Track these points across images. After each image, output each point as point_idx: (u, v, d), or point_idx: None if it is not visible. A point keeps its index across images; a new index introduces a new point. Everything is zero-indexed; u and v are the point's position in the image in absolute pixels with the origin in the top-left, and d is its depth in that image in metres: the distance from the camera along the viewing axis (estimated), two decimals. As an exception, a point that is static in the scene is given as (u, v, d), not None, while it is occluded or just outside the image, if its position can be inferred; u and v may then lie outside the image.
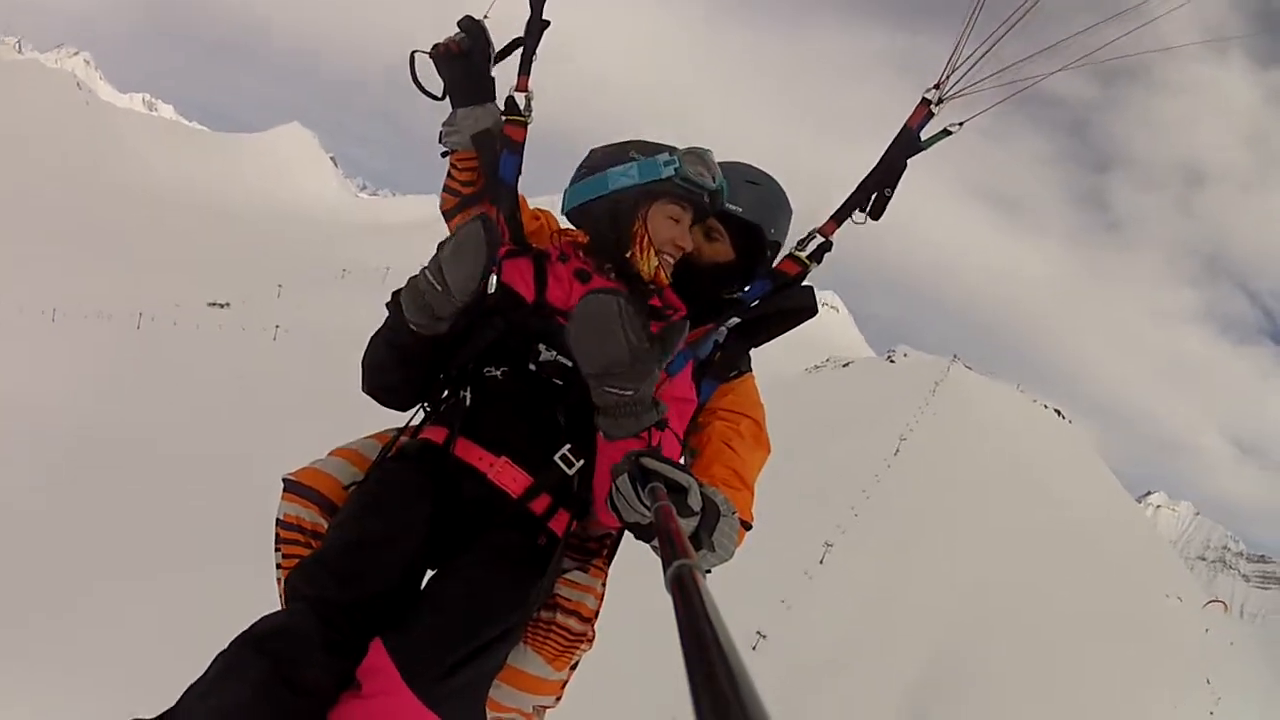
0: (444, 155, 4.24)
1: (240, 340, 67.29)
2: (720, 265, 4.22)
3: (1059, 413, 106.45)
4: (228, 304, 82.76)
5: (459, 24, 4.05)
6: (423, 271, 3.17)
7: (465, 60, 4.04)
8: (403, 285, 3.30)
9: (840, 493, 57.14)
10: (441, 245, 3.18)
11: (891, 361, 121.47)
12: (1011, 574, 49.38)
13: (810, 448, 66.27)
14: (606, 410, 3.01)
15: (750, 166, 4.39)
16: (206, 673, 2.77)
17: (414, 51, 4.05)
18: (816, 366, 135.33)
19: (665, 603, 1.14)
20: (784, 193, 4.40)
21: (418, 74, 4.05)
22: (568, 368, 3.40)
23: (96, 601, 15.53)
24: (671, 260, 3.75)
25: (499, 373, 3.47)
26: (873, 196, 3.98)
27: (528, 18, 4.10)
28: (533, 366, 3.45)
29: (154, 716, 2.65)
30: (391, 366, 3.49)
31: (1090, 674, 39.66)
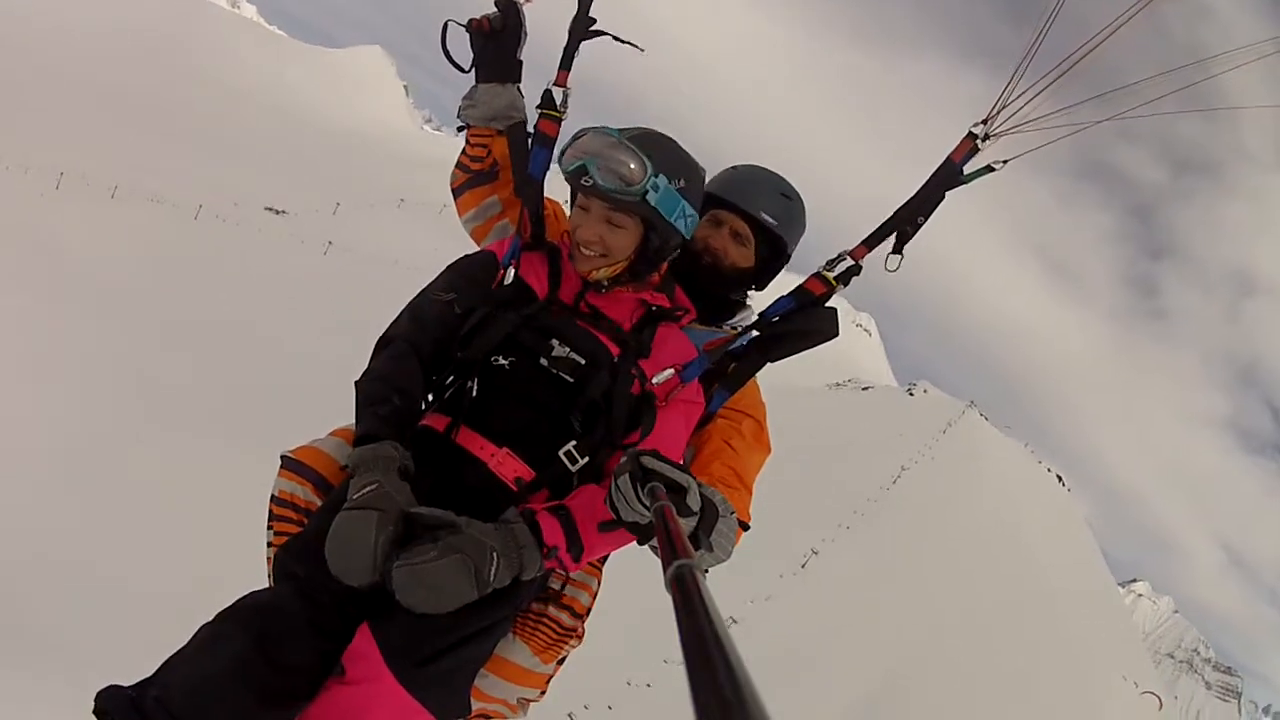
0: (459, 130, 4.31)
1: (293, 249, 67.69)
2: (740, 269, 4.24)
3: (1060, 478, 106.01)
4: (284, 211, 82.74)
5: (496, 4, 4.17)
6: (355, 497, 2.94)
7: (495, 39, 4.15)
8: (361, 384, 3.34)
9: (833, 507, 57.73)
10: (352, 474, 3.04)
11: (910, 394, 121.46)
12: (975, 618, 49.93)
13: (814, 461, 66.99)
14: (516, 577, 3.00)
15: (783, 179, 4.40)
16: (188, 644, 2.88)
17: (448, 21, 4.16)
18: (838, 384, 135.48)
19: (665, 602, 1.20)
20: (805, 210, 4.41)
21: (448, 45, 4.17)
22: (580, 364, 3.44)
23: (138, 459, 16.11)
24: (588, 253, 3.53)
25: (506, 363, 3.44)
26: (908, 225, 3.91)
27: (573, 14, 4.10)
28: (544, 361, 3.44)
29: (131, 684, 2.79)
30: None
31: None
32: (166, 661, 2.84)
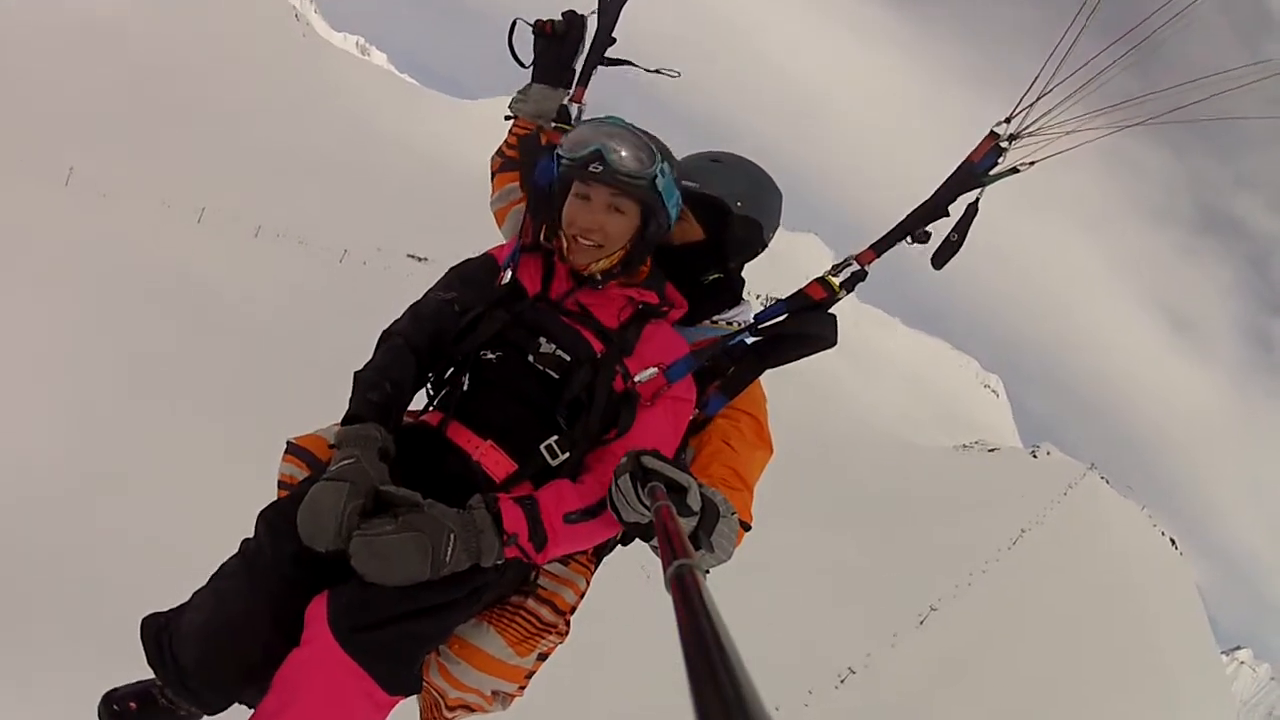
0: (506, 119, 4.47)
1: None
2: (691, 245, 4.11)
3: (1174, 542, 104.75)
4: (426, 259, 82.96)
5: (563, 13, 4.27)
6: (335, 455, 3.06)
7: (557, 43, 4.26)
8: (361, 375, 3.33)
9: (954, 567, 58.02)
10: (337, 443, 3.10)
11: (1034, 456, 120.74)
12: (1084, 681, 50.19)
13: (937, 521, 67.31)
14: (474, 561, 2.96)
15: (725, 151, 4.38)
16: (201, 592, 3.10)
17: (517, 19, 4.30)
18: (965, 446, 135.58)
19: (665, 602, 1.20)
20: (759, 171, 4.29)
21: (514, 41, 4.29)
22: (566, 361, 3.42)
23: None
24: (586, 243, 3.51)
25: (494, 357, 3.44)
26: (941, 240, 3.68)
27: (594, 31, 4.27)
28: (531, 358, 3.43)
29: (167, 611, 3.09)
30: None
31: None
32: (190, 600, 3.09)
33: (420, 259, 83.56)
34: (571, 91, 4.26)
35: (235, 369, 20.83)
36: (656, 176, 3.42)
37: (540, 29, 4.27)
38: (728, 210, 4.07)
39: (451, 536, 2.84)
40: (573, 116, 4.11)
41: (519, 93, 4.40)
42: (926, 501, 73.93)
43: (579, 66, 4.30)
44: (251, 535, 3.07)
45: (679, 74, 4.46)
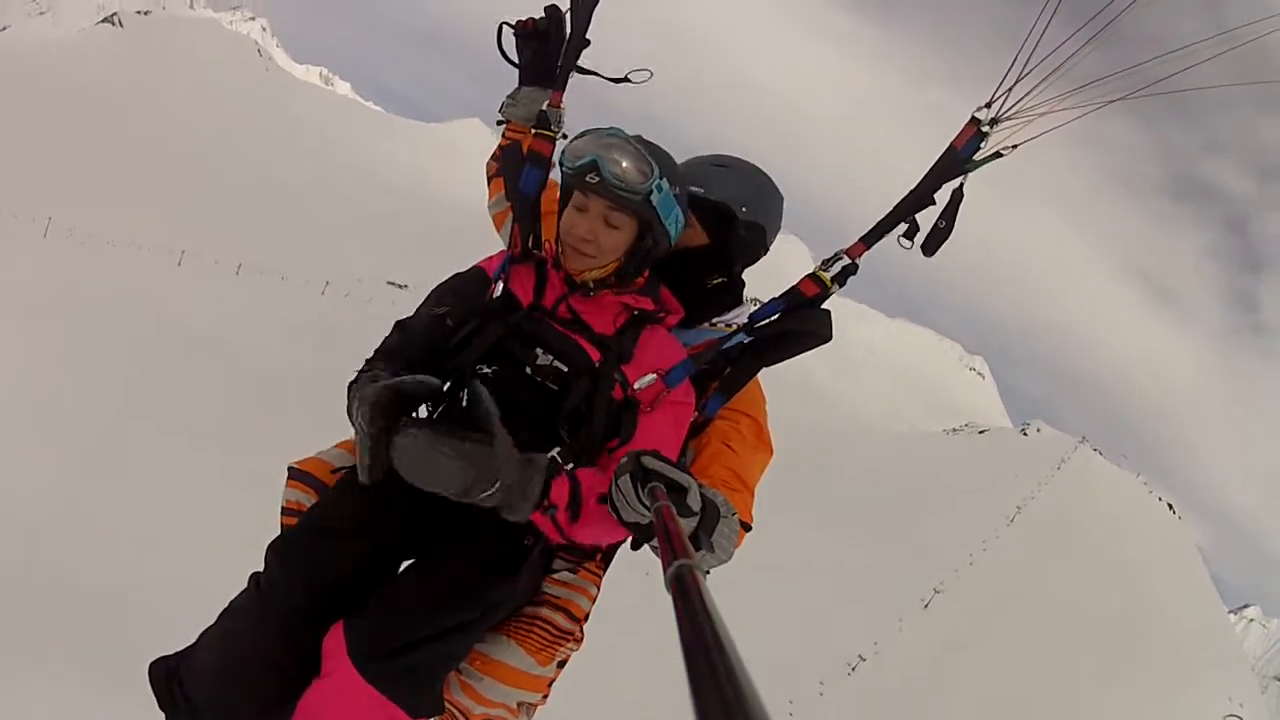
0: (498, 124, 4.42)
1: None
2: (695, 250, 4.06)
3: (1171, 507, 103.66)
4: (406, 286, 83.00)
5: (544, 9, 4.18)
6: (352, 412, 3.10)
7: (540, 42, 4.19)
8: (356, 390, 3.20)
9: (950, 551, 58.07)
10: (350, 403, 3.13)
11: (1025, 434, 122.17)
12: (1091, 650, 50.36)
13: (933, 505, 67.51)
14: (499, 508, 2.97)
15: (729, 155, 4.30)
16: (208, 633, 3.15)
17: (502, 23, 4.22)
18: (955, 429, 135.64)
19: (665, 603, 1.20)
20: (762, 174, 4.27)
21: (504, 44, 4.25)
22: (564, 372, 3.40)
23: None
24: (579, 251, 3.49)
25: (491, 371, 3.41)
26: (930, 228, 3.75)
27: (568, 35, 4.14)
28: (529, 370, 3.41)
29: (173, 654, 3.13)
30: None
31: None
32: (198, 641, 3.15)
33: (401, 286, 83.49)
34: (550, 97, 4.11)
35: (231, 403, 21.02)
36: (652, 192, 3.38)
37: (523, 28, 4.22)
38: (733, 215, 4.05)
39: (496, 485, 2.88)
40: (552, 121, 4.00)
41: (508, 97, 4.36)
42: (920, 487, 74.04)
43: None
44: (261, 569, 3.12)
45: (651, 74, 4.21)
